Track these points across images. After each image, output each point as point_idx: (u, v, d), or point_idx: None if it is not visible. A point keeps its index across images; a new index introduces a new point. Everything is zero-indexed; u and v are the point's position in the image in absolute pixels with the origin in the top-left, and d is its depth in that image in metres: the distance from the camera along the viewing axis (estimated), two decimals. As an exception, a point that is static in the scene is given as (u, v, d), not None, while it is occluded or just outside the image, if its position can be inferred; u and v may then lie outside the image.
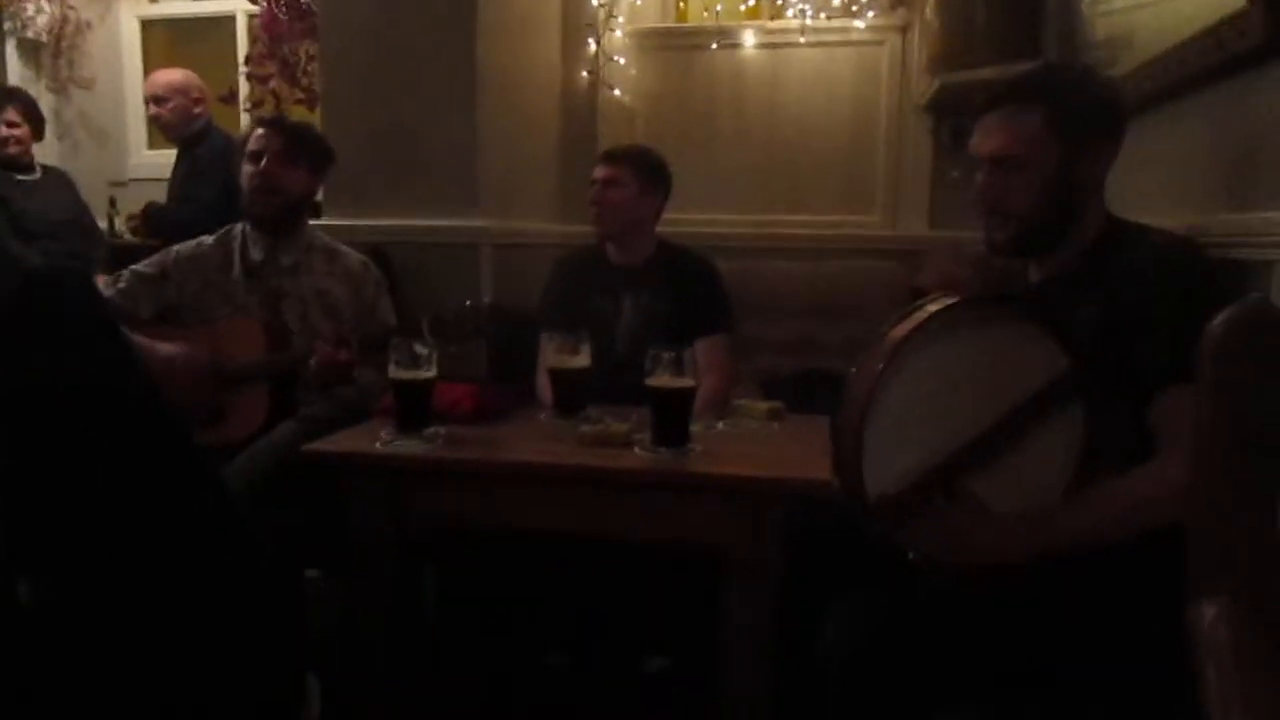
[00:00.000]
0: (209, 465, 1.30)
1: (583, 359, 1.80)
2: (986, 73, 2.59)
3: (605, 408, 1.76)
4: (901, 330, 1.14)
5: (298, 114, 3.40)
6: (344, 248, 2.24)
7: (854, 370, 1.16)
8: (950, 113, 2.98)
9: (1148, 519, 1.10)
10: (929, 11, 2.71)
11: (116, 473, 1.10)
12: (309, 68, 3.46)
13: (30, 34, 3.93)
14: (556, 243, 2.99)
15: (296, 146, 2.12)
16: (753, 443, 1.61)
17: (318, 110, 3.28)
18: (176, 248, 2.18)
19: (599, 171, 2.19)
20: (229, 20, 4.24)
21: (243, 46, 4.12)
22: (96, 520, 1.09)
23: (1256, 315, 0.64)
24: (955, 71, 2.65)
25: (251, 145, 2.10)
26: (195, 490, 1.18)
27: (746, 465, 1.44)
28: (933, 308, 1.15)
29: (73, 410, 1.08)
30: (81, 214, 3.39)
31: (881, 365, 1.11)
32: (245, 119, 3.94)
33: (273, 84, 3.50)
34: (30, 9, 3.89)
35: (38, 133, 3.28)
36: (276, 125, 2.14)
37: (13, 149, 3.17)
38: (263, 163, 2.07)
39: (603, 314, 2.18)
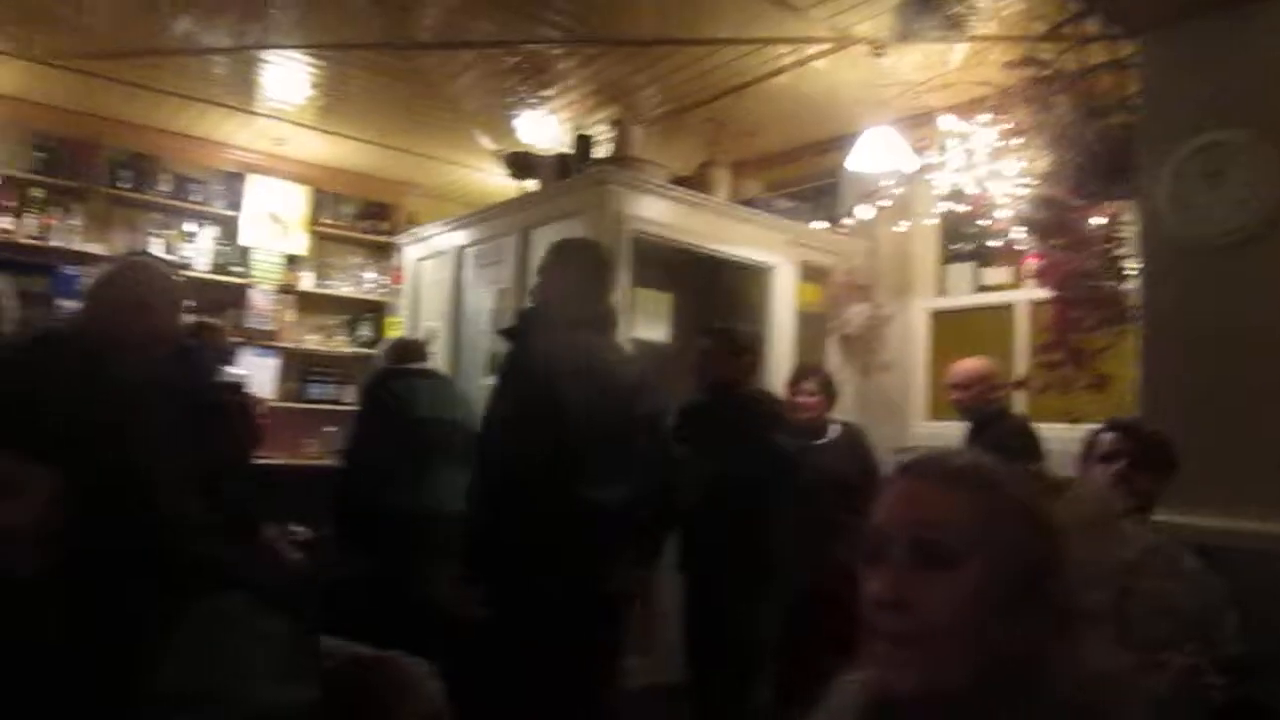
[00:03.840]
0: None
1: None
2: None
3: None
4: None
5: (1085, 399, 3.52)
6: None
7: None
8: None
9: None
10: None
11: None
12: (1100, 354, 3.58)
13: (848, 331, 4.88)
14: None
15: (1148, 454, 2.19)
16: None
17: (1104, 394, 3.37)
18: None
19: None
20: (1008, 309, 4.68)
21: (1021, 332, 4.50)
22: None
23: None
24: None
25: (1105, 448, 2.23)
26: None
27: None
28: None
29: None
30: (862, 470, 3.89)
31: None
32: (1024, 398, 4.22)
33: (1061, 369, 3.70)
34: (851, 311, 4.85)
35: (830, 402, 3.97)
36: (1131, 430, 2.26)
37: (803, 414, 3.87)
38: (1117, 466, 2.19)
39: None
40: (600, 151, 5.07)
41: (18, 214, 5.63)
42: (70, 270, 5.56)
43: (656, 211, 4.48)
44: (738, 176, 5.25)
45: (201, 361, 3.14)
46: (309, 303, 6.59)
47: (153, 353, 2.51)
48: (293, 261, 6.48)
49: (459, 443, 3.17)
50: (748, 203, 5.05)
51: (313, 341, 6.54)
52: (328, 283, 6.67)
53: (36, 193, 5.73)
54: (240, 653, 1.14)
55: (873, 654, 1.00)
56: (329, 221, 6.70)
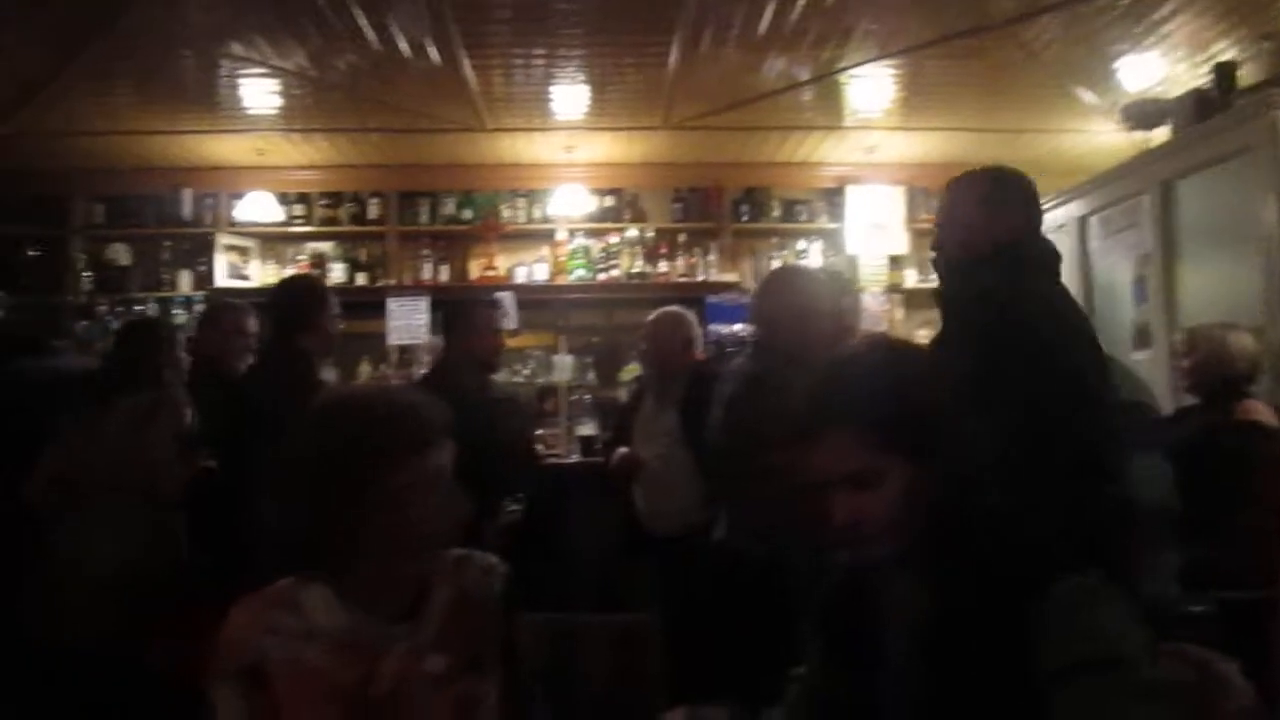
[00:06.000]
0: None
1: None
2: None
3: None
4: None
5: None
6: None
7: None
8: None
9: None
10: None
11: None
12: None
13: None
14: None
15: None
16: None
17: None
18: None
19: None
20: None
21: None
22: None
23: None
24: None
25: None
26: None
27: None
28: None
29: None
30: None
31: None
32: None
33: None
34: None
35: None
36: None
37: None
38: None
39: None
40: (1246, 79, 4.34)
41: (670, 258, 6.74)
42: (713, 299, 6.44)
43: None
44: None
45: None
46: (914, 300, 6.76)
47: (813, 357, 2.62)
48: (895, 262, 6.72)
49: (1145, 425, 2.92)
50: None
51: (923, 337, 6.66)
52: (931, 277, 6.74)
53: (681, 238, 6.80)
54: (1116, 625, 1.17)
55: None
56: (925, 216, 6.79)
